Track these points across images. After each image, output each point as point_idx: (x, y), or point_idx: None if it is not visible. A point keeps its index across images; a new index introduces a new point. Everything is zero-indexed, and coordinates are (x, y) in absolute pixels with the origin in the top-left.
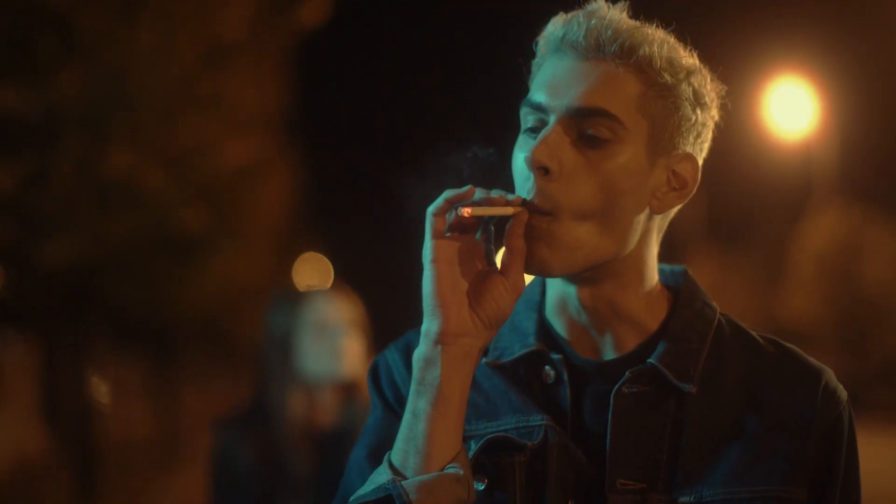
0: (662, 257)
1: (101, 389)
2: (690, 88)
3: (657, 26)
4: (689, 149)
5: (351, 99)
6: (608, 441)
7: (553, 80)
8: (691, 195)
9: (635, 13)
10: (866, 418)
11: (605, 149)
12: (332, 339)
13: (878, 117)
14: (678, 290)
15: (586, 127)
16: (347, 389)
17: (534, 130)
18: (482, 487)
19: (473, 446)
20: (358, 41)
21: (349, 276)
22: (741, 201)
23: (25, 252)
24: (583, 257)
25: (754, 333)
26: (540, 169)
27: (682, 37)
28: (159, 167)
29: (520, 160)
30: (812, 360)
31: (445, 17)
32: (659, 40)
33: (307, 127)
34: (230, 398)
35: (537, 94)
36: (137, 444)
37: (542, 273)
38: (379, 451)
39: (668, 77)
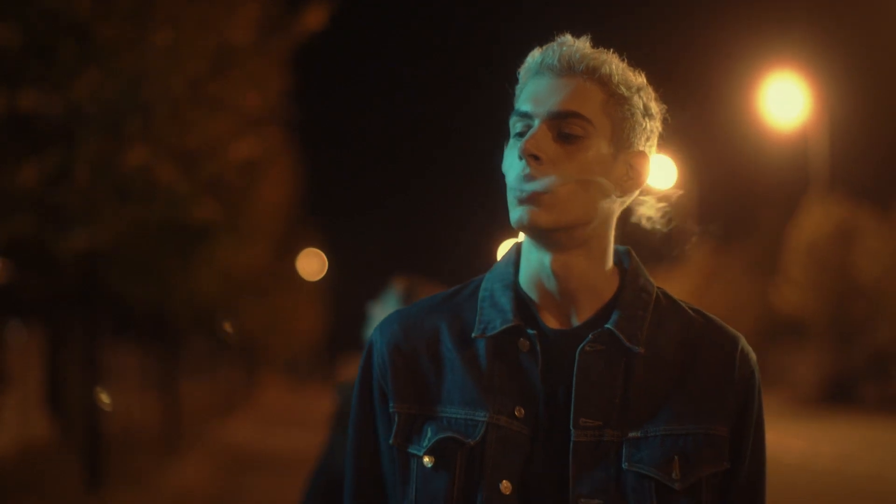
0: (655, 248)
1: (104, 377)
2: (641, 101)
3: (612, 52)
4: (642, 148)
5: (349, 101)
6: (573, 388)
7: (536, 94)
8: (645, 185)
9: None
10: (859, 410)
11: (578, 143)
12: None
13: (869, 111)
14: (625, 267)
15: (564, 127)
16: None
17: (521, 135)
18: (430, 465)
19: (430, 432)
20: (357, 45)
21: (343, 269)
22: (737, 194)
23: (42, 243)
24: (565, 220)
25: (684, 305)
26: (531, 157)
27: (632, 62)
28: (171, 164)
29: (510, 157)
30: (729, 327)
31: (441, 24)
32: (616, 62)
33: (308, 127)
34: (230, 386)
35: (524, 105)
36: (140, 431)
37: (534, 229)
38: (362, 437)
39: (623, 90)
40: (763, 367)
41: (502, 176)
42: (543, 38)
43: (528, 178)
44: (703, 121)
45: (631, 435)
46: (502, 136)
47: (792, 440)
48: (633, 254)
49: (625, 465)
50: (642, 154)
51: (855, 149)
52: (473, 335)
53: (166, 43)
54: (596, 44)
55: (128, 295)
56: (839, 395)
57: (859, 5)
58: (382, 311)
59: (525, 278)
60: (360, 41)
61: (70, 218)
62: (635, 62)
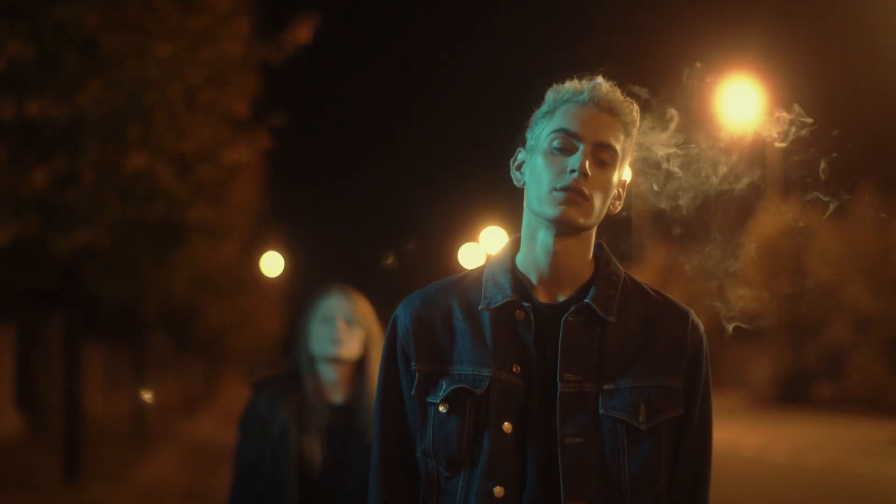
0: (620, 247)
1: (77, 375)
2: (634, 145)
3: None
4: (626, 178)
5: (313, 106)
6: (559, 350)
7: (583, 120)
8: (622, 206)
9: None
10: (813, 409)
11: (607, 169)
12: (332, 328)
13: (824, 113)
14: (598, 257)
15: (601, 153)
16: (356, 367)
17: (561, 150)
18: (445, 411)
19: (444, 385)
20: (330, 55)
21: (298, 269)
22: (693, 195)
23: (31, 243)
24: (589, 222)
25: (645, 286)
26: (584, 174)
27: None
28: (169, 167)
29: (551, 164)
30: (682, 303)
31: (420, 46)
32: (636, 111)
33: (287, 141)
34: (194, 384)
35: (573, 126)
36: (110, 427)
37: (571, 223)
38: (389, 390)
39: (634, 135)
40: (719, 367)
41: (463, 188)
42: (508, 52)
43: (577, 188)
44: (661, 123)
45: (605, 387)
46: (465, 151)
47: (747, 438)
48: (605, 246)
49: (601, 411)
50: (625, 183)
51: (809, 150)
52: (479, 308)
53: (165, 54)
54: (558, 47)
55: (103, 294)
56: (794, 394)
57: (814, 9)
58: (323, 317)
59: (523, 262)
60: (336, 51)
61: (75, 217)
62: (593, 64)
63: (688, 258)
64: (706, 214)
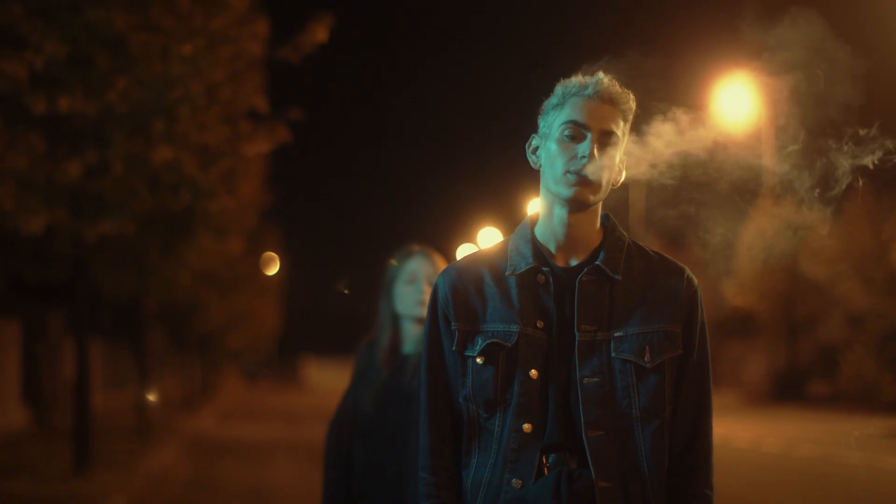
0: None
1: (84, 369)
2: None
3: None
4: (623, 156)
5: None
6: (576, 305)
7: (589, 112)
8: (621, 182)
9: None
10: (807, 406)
11: (611, 153)
12: (417, 290)
13: (820, 111)
14: (606, 224)
15: (606, 140)
16: None
17: (572, 137)
18: (482, 362)
19: (479, 341)
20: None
21: (296, 275)
22: (688, 195)
23: (45, 235)
24: (597, 199)
25: (647, 248)
26: (592, 159)
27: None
28: (193, 159)
29: (562, 150)
30: (678, 262)
31: (419, 50)
32: (633, 100)
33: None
34: (192, 381)
35: (581, 118)
36: (114, 421)
37: (583, 201)
38: (434, 348)
39: (631, 119)
40: (714, 365)
41: (460, 191)
42: (507, 57)
43: (585, 171)
44: (657, 121)
45: (616, 334)
46: (463, 155)
47: (741, 432)
48: (611, 216)
49: (613, 355)
50: (623, 161)
51: (804, 149)
52: (506, 274)
53: (187, 53)
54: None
55: (106, 290)
56: (788, 391)
57: (813, 7)
58: (405, 272)
59: (542, 233)
60: (336, 52)
61: (104, 207)
62: (592, 60)
63: (685, 257)
64: (702, 212)
